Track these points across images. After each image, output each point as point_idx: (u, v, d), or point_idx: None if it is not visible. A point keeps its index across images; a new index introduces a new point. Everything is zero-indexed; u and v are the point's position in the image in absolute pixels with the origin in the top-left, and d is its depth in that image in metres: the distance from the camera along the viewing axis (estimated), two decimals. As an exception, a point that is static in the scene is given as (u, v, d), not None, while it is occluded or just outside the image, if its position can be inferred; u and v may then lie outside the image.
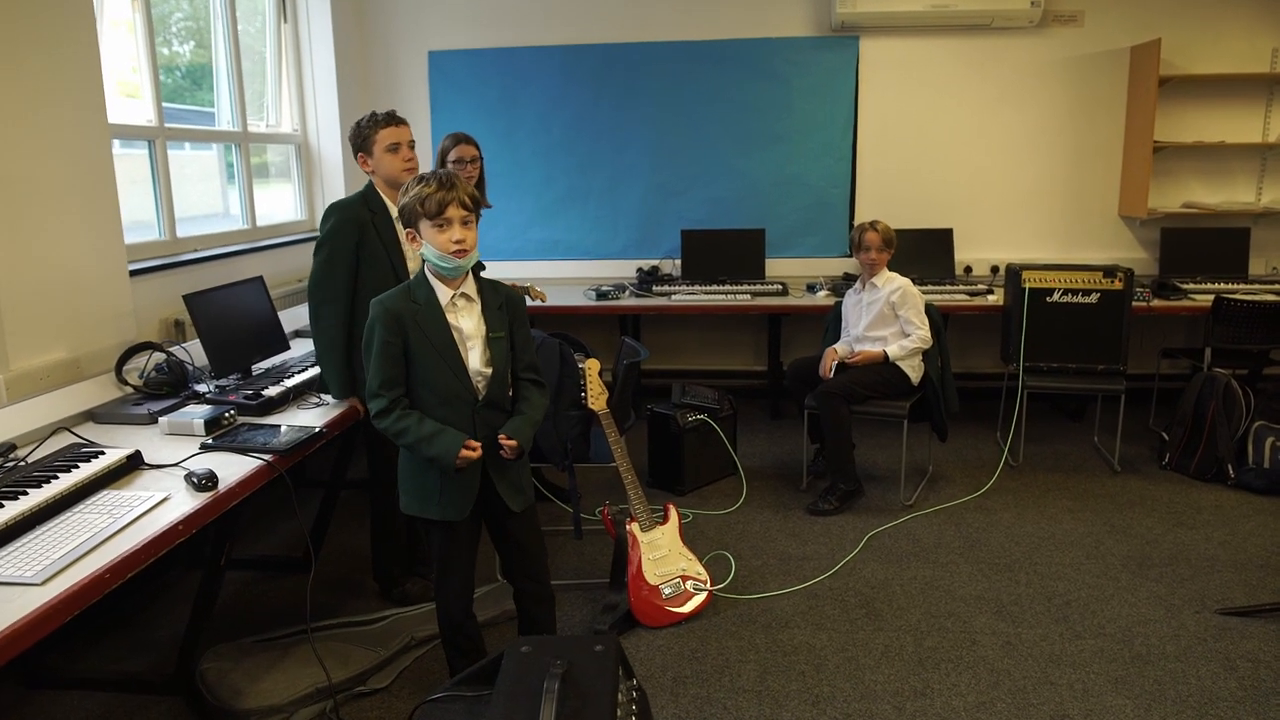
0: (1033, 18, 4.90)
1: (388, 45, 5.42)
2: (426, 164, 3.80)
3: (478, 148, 3.81)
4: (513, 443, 2.23)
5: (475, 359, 2.23)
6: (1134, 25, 4.96)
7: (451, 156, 3.75)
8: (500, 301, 2.29)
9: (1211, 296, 4.37)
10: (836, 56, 5.19)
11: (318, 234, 2.90)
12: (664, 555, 3.05)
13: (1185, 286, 4.73)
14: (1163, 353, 4.88)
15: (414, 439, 2.17)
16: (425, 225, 2.16)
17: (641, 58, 5.28)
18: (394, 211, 2.88)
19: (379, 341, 2.17)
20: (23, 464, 2.28)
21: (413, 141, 2.93)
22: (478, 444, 2.20)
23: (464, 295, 2.23)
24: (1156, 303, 4.57)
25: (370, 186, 2.90)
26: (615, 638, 1.80)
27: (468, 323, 2.23)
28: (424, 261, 2.22)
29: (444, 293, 2.21)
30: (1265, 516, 3.72)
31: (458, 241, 2.15)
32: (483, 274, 2.38)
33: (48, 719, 2.55)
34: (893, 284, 3.93)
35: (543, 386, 2.37)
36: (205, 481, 2.19)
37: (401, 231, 2.91)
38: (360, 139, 2.88)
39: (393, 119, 2.89)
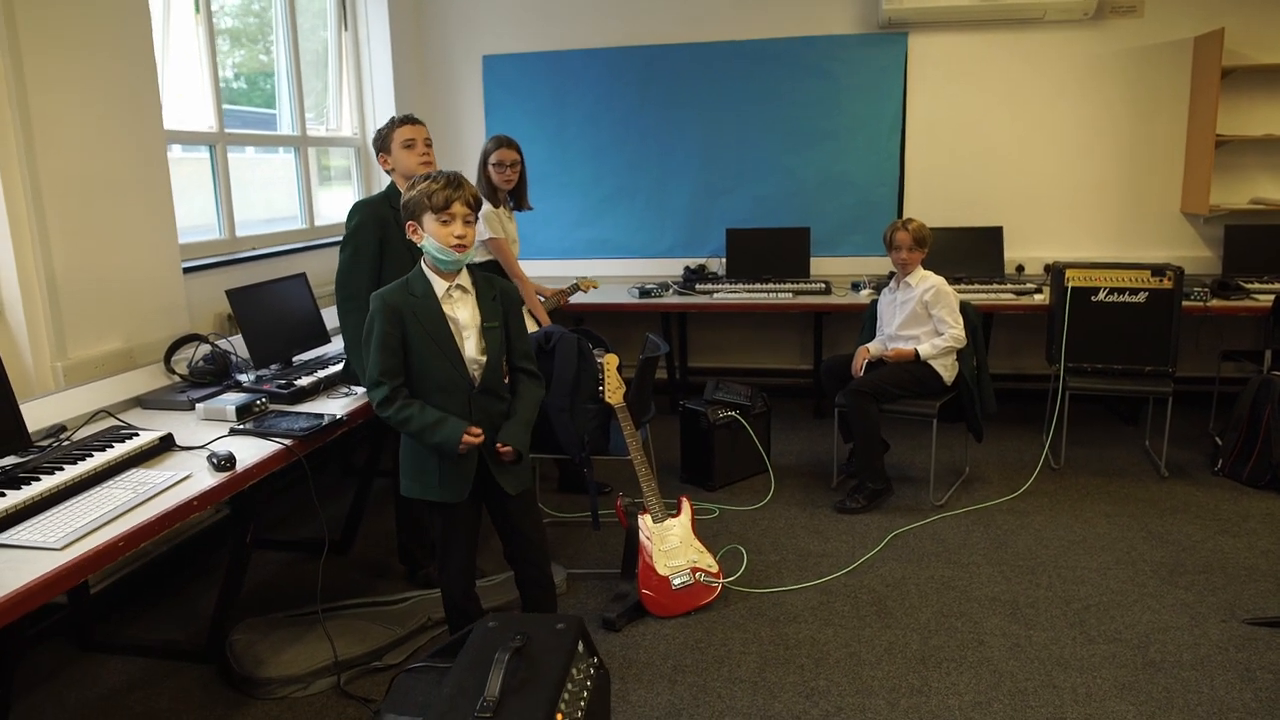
0: (1088, 9, 4.77)
1: (443, 50, 5.60)
2: (470, 162, 3.94)
3: (519, 152, 3.94)
4: (508, 449, 2.36)
5: (470, 348, 2.35)
6: (1196, 15, 4.78)
7: (493, 160, 3.89)
8: (495, 293, 2.41)
9: (1274, 296, 4.20)
10: (884, 53, 5.15)
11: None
12: (675, 547, 3.11)
13: (1249, 286, 4.54)
14: (1223, 355, 4.69)
15: (418, 427, 2.29)
16: (429, 218, 2.28)
17: (688, 58, 5.33)
18: None
19: (378, 333, 2.30)
20: (66, 443, 2.48)
21: (429, 140, 3.07)
22: (479, 430, 2.31)
23: (459, 287, 2.36)
24: (1215, 302, 4.40)
25: (392, 185, 3.04)
26: (579, 618, 1.87)
27: (463, 313, 2.35)
28: (422, 256, 2.34)
29: (440, 285, 2.33)
30: (1317, 526, 3.57)
31: (459, 237, 2.27)
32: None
33: (93, 679, 2.76)
34: (926, 283, 3.90)
35: (537, 378, 2.47)
36: (224, 462, 2.35)
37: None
38: (380, 140, 3.05)
39: (409, 119, 3.04)
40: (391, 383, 2.30)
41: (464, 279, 2.36)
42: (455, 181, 2.29)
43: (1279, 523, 3.61)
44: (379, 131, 3.09)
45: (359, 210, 2.96)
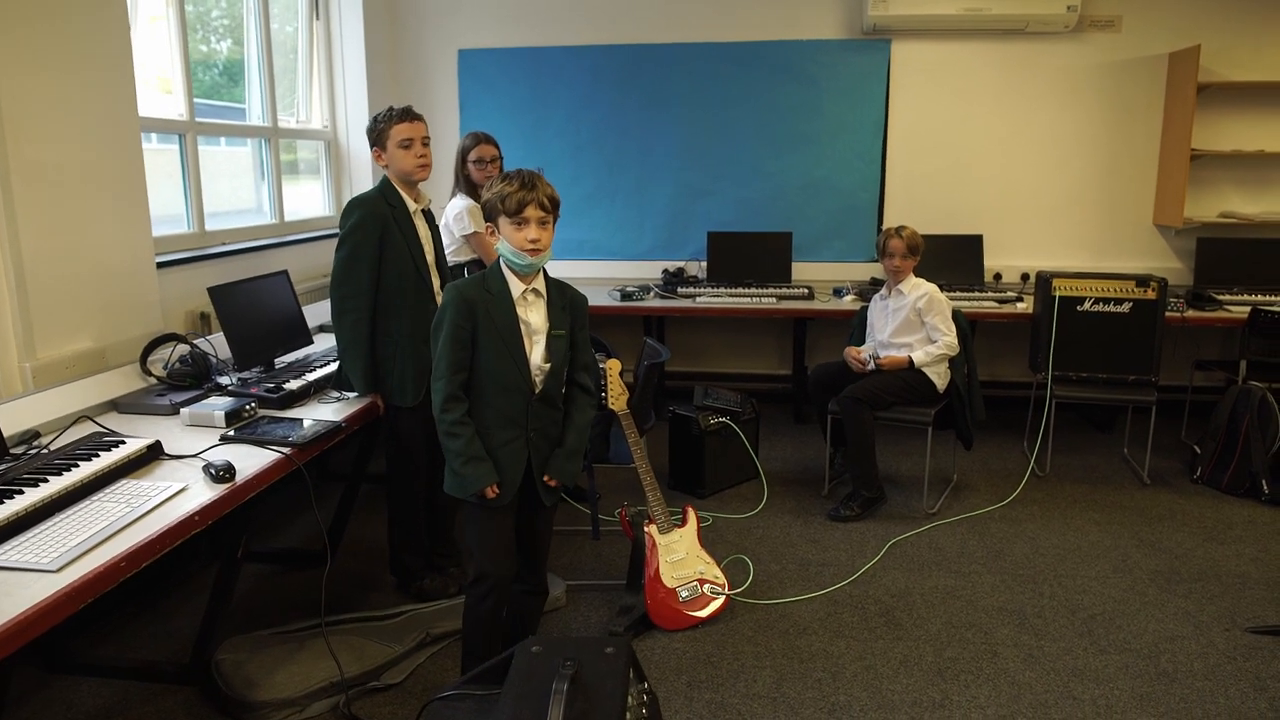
0: (1069, 22, 4.83)
1: (418, 43, 5.44)
2: (442, 159, 3.80)
3: (498, 147, 3.83)
4: (554, 483, 2.38)
5: (537, 353, 2.31)
6: (1173, 31, 4.87)
7: (471, 156, 3.77)
8: (565, 302, 2.36)
9: (1248, 308, 4.28)
10: (868, 59, 5.14)
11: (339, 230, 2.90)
12: (682, 558, 3.03)
13: (1221, 298, 4.63)
14: (1196, 364, 4.78)
15: (458, 448, 2.26)
16: (504, 222, 2.25)
17: (671, 58, 5.26)
18: (411, 206, 2.90)
19: (450, 325, 2.25)
20: (45, 451, 2.30)
21: (427, 138, 2.91)
22: (498, 490, 2.30)
23: (534, 291, 2.31)
24: (1190, 313, 4.48)
25: (386, 181, 2.89)
26: (627, 640, 1.78)
27: (535, 317, 2.31)
28: (499, 255, 2.31)
29: (517, 286, 2.29)
30: (1300, 534, 3.64)
31: (533, 240, 2.23)
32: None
33: (65, 704, 2.57)
34: (919, 290, 3.88)
35: (592, 396, 2.44)
36: (223, 473, 2.20)
37: (420, 226, 2.93)
38: (375, 134, 2.88)
39: (408, 114, 2.88)
40: (457, 378, 2.26)
41: (539, 283, 2.32)
42: (529, 183, 2.25)
43: (1262, 530, 3.68)
44: (374, 122, 2.91)
45: (356, 208, 2.82)
